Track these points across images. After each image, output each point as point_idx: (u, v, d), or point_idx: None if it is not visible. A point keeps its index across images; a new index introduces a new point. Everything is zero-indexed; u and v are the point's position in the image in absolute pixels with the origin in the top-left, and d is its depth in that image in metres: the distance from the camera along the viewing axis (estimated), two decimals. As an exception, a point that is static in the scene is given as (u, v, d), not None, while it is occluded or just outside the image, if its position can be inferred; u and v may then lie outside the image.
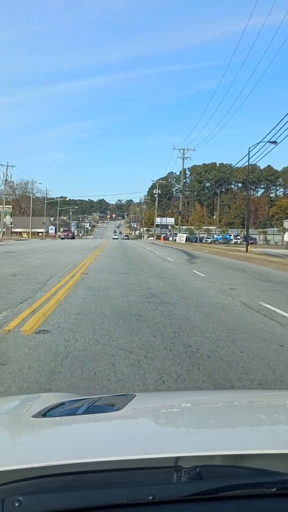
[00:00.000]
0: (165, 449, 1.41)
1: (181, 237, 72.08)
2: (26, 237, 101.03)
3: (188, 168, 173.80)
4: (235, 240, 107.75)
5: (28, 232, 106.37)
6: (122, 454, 1.33)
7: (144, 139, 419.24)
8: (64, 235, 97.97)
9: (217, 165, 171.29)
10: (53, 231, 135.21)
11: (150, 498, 1.14)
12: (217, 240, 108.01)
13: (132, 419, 1.90)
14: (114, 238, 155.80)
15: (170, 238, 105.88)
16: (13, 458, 1.38)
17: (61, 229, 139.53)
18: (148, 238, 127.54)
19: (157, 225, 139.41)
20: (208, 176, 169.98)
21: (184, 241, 69.73)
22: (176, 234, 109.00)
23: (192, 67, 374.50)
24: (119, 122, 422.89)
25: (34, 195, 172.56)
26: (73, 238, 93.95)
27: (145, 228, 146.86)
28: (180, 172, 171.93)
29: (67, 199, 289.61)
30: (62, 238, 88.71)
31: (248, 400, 2.37)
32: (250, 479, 1.21)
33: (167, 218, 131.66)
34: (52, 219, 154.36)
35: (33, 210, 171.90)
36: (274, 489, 1.19)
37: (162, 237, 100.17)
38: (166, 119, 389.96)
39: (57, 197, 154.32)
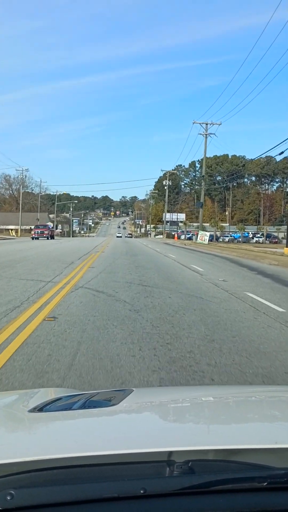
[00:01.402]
0: (158, 443, 1.42)
1: (204, 236, 59.30)
2: (14, 235, 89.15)
3: (198, 160, 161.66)
4: (256, 239, 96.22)
5: (18, 229, 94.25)
6: (114, 448, 1.35)
7: (150, 135, 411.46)
8: (37, 233, 59.76)
9: (229, 157, 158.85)
10: (51, 228, 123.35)
11: (142, 491, 1.15)
12: (236, 239, 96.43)
13: (127, 414, 1.90)
14: (118, 236, 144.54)
15: (182, 237, 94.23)
16: (6, 452, 1.38)
17: (43, 225, 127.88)
18: (157, 237, 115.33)
19: (166, 222, 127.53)
20: (219, 169, 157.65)
21: (207, 241, 57.22)
22: (188, 232, 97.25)
23: (197, 63, 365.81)
24: (124, 119, 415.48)
25: (32, 190, 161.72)
26: (51, 238, 61.14)
27: (152, 225, 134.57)
28: (201, 161, 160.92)
29: (70, 195, 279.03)
30: (34, 238, 57.97)
31: (242, 396, 2.37)
32: (241, 473, 1.22)
33: (178, 214, 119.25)
34: (52, 216, 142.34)
35: (31, 206, 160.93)
36: (265, 483, 1.20)
37: (175, 235, 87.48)
38: (171, 115, 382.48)
39: (55, 191, 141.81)
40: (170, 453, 1.28)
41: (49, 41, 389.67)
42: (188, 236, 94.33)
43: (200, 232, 60.40)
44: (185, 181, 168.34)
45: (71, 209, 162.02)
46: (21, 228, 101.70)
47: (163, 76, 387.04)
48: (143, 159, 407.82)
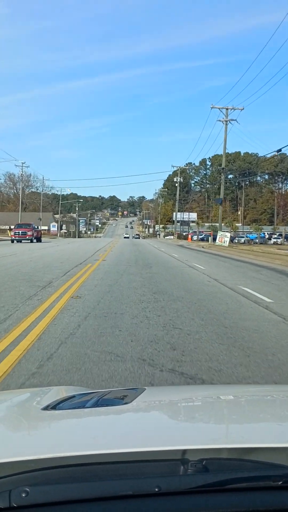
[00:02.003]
0: (172, 441, 1.41)
1: (224, 238, 51.05)
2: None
3: (209, 157, 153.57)
4: (274, 240, 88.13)
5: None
6: (129, 446, 1.34)
7: (157, 136, 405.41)
8: (17, 234, 46.98)
9: (242, 154, 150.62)
10: (55, 228, 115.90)
11: (156, 489, 1.14)
12: (252, 240, 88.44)
13: (140, 412, 1.90)
14: (125, 237, 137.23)
15: (194, 237, 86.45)
16: (21, 450, 1.38)
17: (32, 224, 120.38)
18: (167, 237, 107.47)
19: (177, 221, 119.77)
20: (231, 166, 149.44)
21: (227, 243, 49.08)
22: (201, 233, 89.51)
23: (205, 63, 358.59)
24: (131, 119, 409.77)
25: (37, 189, 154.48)
26: (37, 240, 48.46)
27: (161, 225, 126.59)
28: (212, 158, 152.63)
29: (78, 195, 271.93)
30: (14, 241, 45.50)
31: (256, 395, 2.37)
32: (256, 472, 1.21)
33: (190, 213, 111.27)
34: (59, 215, 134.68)
35: (36, 206, 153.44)
36: (280, 482, 1.20)
37: (189, 236, 79.28)
38: (178, 115, 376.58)
39: (59, 188, 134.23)
40: (184, 451, 1.27)
41: (57, 41, 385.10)
42: (201, 237, 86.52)
43: (220, 233, 52.43)
44: (195, 179, 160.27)
45: (77, 209, 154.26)
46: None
47: (170, 76, 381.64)
48: (150, 159, 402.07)
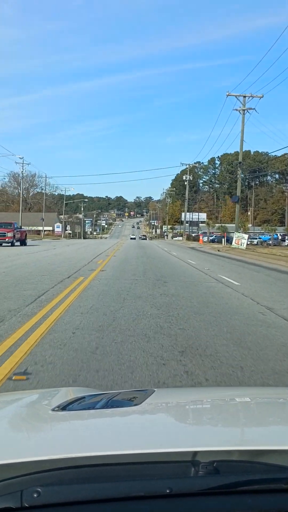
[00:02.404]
0: (183, 443, 1.41)
1: (241, 239, 45.25)
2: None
3: (218, 156, 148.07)
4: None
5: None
6: (140, 447, 1.34)
7: (164, 137, 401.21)
8: None
9: (252, 153, 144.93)
10: (60, 229, 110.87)
11: (168, 491, 1.14)
12: (265, 241, 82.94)
13: (151, 414, 1.89)
14: (131, 238, 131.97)
15: (205, 238, 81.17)
16: (32, 450, 1.39)
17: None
18: (175, 239, 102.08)
19: (186, 222, 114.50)
20: (241, 165, 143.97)
21: (244, 246, 43.46)
22: (211, 234, 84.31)
23: (213, 64, 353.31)
24: (138, 120, 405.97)
25: (42, 189, 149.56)
26: (20, 243, 39.43)
27: (169, 226, 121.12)
28: (220, 158, 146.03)
29: (84, 196, 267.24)
30: None
31: (266, 397, 2.36)
32: (267, 474, 1.21)
33: (199, 214, 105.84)
34: (63, 216, 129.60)
35: (41, 206, 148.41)
36: None
37: (200, 238, 73.46)
38: (185, 117, 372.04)
39: (64, 187, 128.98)
40: (195, 453, 1.25)
41: (67, 42, 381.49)
42: (211, 238, 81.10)
43: (236, 235, 46.90)
44: (203, 179, 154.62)
45: (82, 209, 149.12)
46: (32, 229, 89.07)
47: (179, 77, 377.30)
48: (158, 160, 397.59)
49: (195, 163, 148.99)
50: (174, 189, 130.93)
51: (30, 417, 1.89)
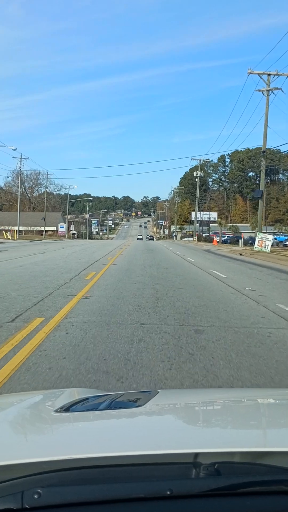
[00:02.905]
0: (185, 445, 1.39)
1: (265, 241, 38.50)
2: (9, 238, 70.42)
3: (228, 154, 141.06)
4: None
5: (15, 231, 75.68)
6: (141, 449, 1.33)
7: (170, 137, 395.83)
8: None
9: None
10: (63, 229, 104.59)
11: (168, 492, 1.13)
12: (281, 242, 76.16)
13: (153, 415, 1.87)
14: (138, 239, 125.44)
15: (217, 239, 74.53)
16: (34, 451, 1.38)
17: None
18: (185, 239, 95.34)
19: (194, 222, 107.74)
20: (252, 163, 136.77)
21: (269, 249, 36.69)
22: (223, 234, 77.60)
23: (218, 64, 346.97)
24: (144, 120, 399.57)
25: (47, 188, 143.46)
26: None
27: (177, 226, 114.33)
28: (230, 154, 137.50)
29: (91, 195, 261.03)
30: None
31: (269, 399, 2.33)
32: (269, 476, 1.20)
33: (211, 213, 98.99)
34: (67, 216, 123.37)
35: (46, 206, 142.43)
36: None
37: (215, 239, 65.94)
38: (191, 117, 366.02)
39: (68, 188, 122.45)
40: (196, 454, 1.24)
41: (71, 43, 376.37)
42: (223, 238, 74.41)
43: (259, 235, 40.26)
44: (213, 177, 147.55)
45: (87, 208, 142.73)
46: (19, 229, 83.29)
47: (184, 77, 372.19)
48: (165, 160, 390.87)
49: (206, 159, 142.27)
50: (183, 187, 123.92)
51: (32, 418, 1.86)
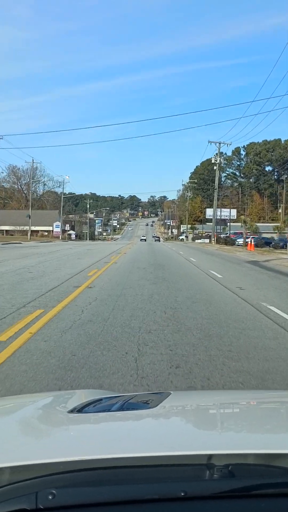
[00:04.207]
0: (198, 446, 1.36)
1: None
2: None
3: (243, 146, 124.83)
4: None
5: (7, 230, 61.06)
6: (155, 450, 1.30)
7: (179, 137, 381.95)
8: None
9: (283, 142, 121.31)
10: (59, 229, 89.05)
11: (182, 494, 1.11)
12: None
13: (166, 417, 1.85)
14: (141, 240, 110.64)
15: (239, 240, 58.97)
16: (48, 452, 1.36)
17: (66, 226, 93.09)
18: (198, 241, 79.41)
19: (208, 220, 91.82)
20: (270, 156, 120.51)
21: None
22: (248, 236, 62.02)
23: (228, 63, 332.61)
24: (154, 120, 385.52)
25: (45, 185, 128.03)
26: None
27: (188, 225, 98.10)
28: (247, 147, 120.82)
29: (97, 195, 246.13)
30: None
31: (282, 400, 2.29)
32: (283, 478, 1.17)
33: (231, 210, 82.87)
34: (61, 214, 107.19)
35: (43, 203, 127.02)
36: None
37: (250, 242, 47.28)
38: (201, 116, 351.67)
39: (73, 189, 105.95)
40: (210, 456, 1.21)
41: (81, 43, 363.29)
42: (247, 240, 58.52)
43: None
44: (227, 172, 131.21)
45: (88, 206, 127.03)
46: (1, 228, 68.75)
47: (194, 76, 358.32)
48: (174, 160, 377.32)
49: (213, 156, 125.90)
50: (195, 181, 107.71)
51: (46, 419, 1.84)
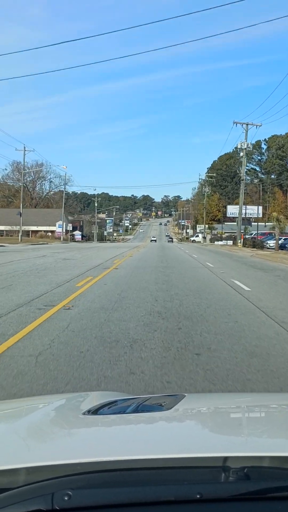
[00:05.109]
0: (214, 448, 1.34)
1: None
2: None
3: (264, 139, 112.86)
4: None
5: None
6: (171, 452, 1.29)
7: (190, 137, 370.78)
8: None
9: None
10: (61, 229, 78.43)
11: (198, 496, 1.10)
12: None
13: (181, 419, 1.82)
14: (152, 240, 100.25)
15: (271, 243, 47.91)
16: (64, 453, 1.35)
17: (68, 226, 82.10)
18: (219, 243, 68.07)
19: (228, 219, 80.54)
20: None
21: None
22: (266, 235, 51.08)
23: (238, 64, 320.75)
24: (165, 120, 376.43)
25: (51, 182, 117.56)
26: None
27: (206, 225, 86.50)
28: (268, 140, 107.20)
29: (109, 195, 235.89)
30: None
31: None
32: None
33: (259, 207, 71.42)
34: (63, 213, 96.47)
35: (49, 201, 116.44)
36: None
37: None
38: (212, 117, 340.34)
39: (80, 188, 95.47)
40: (226, 458, 1.19)
41: (93, 43, 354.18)
42: (280, 243, 47.19)
43: None
44: (247, 167, 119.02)
45: (95, 204, 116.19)
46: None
47: (206, 76, 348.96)
48: (184, 160, 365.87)
49: (232, 151, 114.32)
50: (214, 175, 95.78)
51: (61, 421, 1.82)
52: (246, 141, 48.75)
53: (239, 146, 49.54)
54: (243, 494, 1.10)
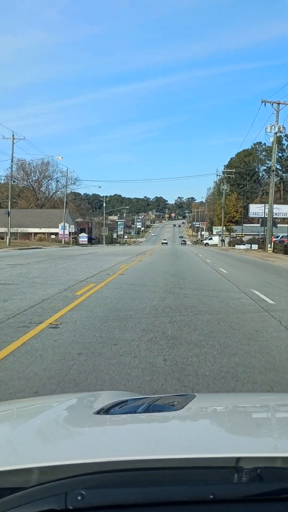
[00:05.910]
0: (226, 449, 1.34)
1: None
2: None
3: (286, 135, 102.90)
4: None
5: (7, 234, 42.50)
6: (183, 452, 1.28)
7: (206, 139, 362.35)
8: None
9: None
10: (67, 231, 70.14)
11: (211, 497, 1.09)
12: None
13: (193, 419, 1.81)
14: (163, 243, 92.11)
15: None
16: (77, 453, 1.34)
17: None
18: (240, 247, 59.00)
19: (246, 219, 71.68)
20: None
21: None
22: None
23: (254, 66, 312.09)
24: (180, 123, 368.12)
25: (58, 181, 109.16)
26: None
27: (224, 226, 77.08)
28: None
29: (122, 197, 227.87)
30: None
31: None
32: None
33: (286, 206, 62.13)
34: (64, 213, 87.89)
35: (55, 203, 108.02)
36: None
37: None
38: (227, 119, 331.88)
39: (87, 185, 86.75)
40: (238, 459, 1.18)
41: (108, 46, 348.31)
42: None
43: None
44: (266, 165, 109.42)
45: (104, 205, 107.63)
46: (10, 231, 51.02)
47: (220, 79, 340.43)
48: (198, 163, 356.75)
49: (251, 148, 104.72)
50: (233, 170, 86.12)
51: (73, 420, 1.81)
52: (278, 123, 39.48)
53: (268, 130, 40.36)
54: (256, 495, 1.10)
